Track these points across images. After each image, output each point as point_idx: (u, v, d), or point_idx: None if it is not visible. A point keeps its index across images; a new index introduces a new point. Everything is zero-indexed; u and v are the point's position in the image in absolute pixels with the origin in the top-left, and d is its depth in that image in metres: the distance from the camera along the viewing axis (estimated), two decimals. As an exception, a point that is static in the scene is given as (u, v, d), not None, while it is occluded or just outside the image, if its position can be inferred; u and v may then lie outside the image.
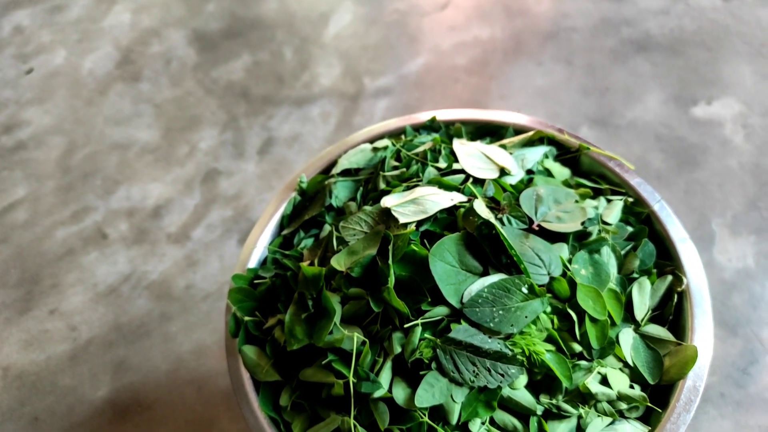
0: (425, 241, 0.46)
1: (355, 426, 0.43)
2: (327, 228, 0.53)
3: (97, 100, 0.98)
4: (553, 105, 0.90)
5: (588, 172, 0.57)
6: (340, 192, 0.56)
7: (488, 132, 0.61)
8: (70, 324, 0.75)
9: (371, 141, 0.61)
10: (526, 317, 0.42)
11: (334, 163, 0.60)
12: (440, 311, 0.43)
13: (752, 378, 0.65)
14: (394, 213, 0.47)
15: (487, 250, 0.44)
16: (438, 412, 0.42)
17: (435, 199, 0.47)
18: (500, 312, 0.42)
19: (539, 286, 0.44)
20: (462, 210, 0.47)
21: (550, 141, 0.58)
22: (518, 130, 0.60)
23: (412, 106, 0.92)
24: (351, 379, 0.43)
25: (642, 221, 0.53)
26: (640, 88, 0.90)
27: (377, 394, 0.42)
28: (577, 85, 0.92)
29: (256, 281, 0.53)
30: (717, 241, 0.75)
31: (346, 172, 0.59)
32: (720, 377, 0.66)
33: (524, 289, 0.43)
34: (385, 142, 0.60)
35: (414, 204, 0.47)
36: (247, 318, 0.51)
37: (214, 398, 0.69)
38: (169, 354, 0.72)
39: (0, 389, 0.71)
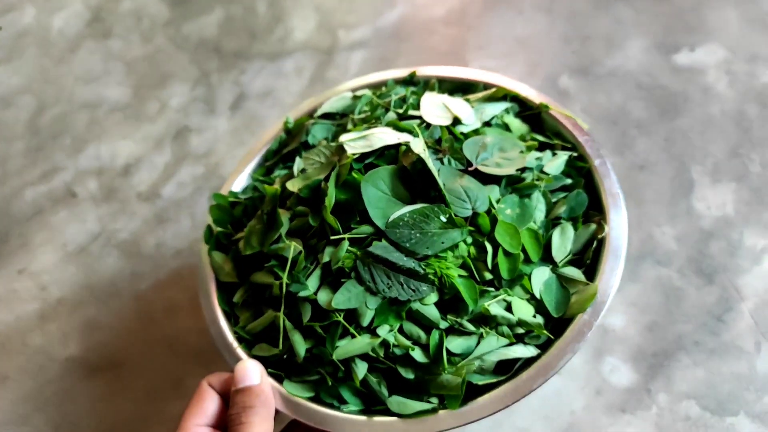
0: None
1: (283, 320, 0.49)
2: (299, 161, 0.58)
3: (67, 58, 0.95)
4: (533, 54, 0.87)
5: (548, 130, 0.60)
6: (317, 132, 0.61)
7: (466, 89, 0.64)
8: (40, 283, 0.74)
9: (355, 90, 0.66)
10: (442, 243, 0.47)
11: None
12: (365, 230, 0.48)
13: (726, 326, 0.64)
14: (345, 146, 0.52)
15: (418, 183, 0.49)
16: (353, 315, 0.47)
17: (383, 137, 0.52)
18: (418, 235, 0.47)
19: (463, 218, 0.48)
20: (404, 147, 0.51)
21: (514, 98, 0.61)
22: (488, 87, 0.63)
23: (388, 59, 0.89)
24: (285, 280, 0.49)
25: (583, 175, 0.56)
26: (622, 35, 0.87)
27: (303, 294, 0.48)
28: (557, 34, 0.89)
29: (235, 201, 0.60)
30: (696, 189, 0.73)
31: (326, 116, 0.64)
32: (695, 326, 0.64)
33: (443, 218, 0.47)
34: (365, 91, 0.64)
35: (364, 140, 0.52)
36: (218, 229, 0.59)
37: (185, 355, 0.68)
38: (140, 312, 0.72)
39: (-31, 350, 0.70)
